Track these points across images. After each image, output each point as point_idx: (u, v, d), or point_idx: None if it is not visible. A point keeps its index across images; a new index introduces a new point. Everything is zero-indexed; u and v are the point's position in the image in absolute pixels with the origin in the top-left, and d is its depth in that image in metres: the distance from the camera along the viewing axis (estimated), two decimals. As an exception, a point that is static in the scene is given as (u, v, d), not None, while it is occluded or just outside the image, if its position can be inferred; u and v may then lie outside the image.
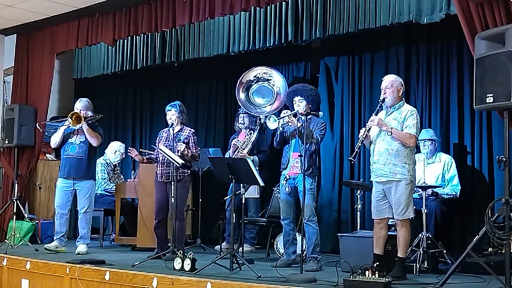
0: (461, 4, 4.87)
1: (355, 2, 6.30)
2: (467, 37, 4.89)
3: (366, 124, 5.04)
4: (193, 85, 8.85)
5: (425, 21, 5.80)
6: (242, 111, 7.27)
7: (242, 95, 7.25)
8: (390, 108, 5.06)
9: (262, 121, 7.15)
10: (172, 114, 6.38)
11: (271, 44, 7.02)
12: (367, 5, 6.20)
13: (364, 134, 4.97)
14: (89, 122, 6.70)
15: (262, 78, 7.25)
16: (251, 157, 6.87)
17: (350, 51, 7.33)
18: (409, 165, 4.91)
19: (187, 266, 5.15)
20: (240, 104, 7.25)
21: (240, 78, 7.26)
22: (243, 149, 6.97)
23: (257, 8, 6.81)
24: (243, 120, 7.25)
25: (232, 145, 7.11)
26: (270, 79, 7.21)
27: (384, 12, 6.06)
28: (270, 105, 7.18)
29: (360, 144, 4.99)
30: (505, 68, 4.37)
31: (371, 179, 5.13)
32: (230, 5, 6.29)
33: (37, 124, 7.46)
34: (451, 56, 6.60)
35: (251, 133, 7.11)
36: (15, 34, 8.51)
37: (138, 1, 7.03)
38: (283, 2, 6.69)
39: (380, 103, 5.05)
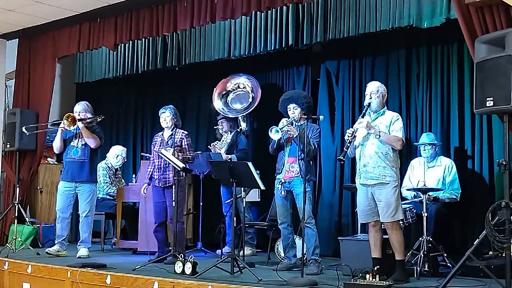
0: (461, 8, 4.88)
1: (355, 6, 6.32)
2: (467, 41, 4.90)
3: (353, 126, 5.06)
4: (194, 89, 8.87)
5: (425, 25, 5.80)
6: (220, 117, 7.53)
7: (218, 103, 7.74)
8: (375, 113, 5.11)
9: (242, 127, 7.54)
10: (166, 116, 6.41)
11: (272, 48, 7.03)
12: (367, 9, 6.21)
13: (352, 134, 4.99)
14: (89, 124, 6.70)
15: (236, 88, 7.76)
16: (229, 155, 7.11)
17: (351, 55, 7.35)
18: (396, 168, 4.99)
19: (188, 270, 5.15)
20: (218, 111, 7.67)
21: (215, 90, 7.75)
22: (221, 149, 7.24)
23: (258, 12, 6.83)
24: (221, 125, 7.50)
25: (211, 148, 7.38)
26: (243, 86, 7.71)
27: (385, 16, 6.07)
28: (251, 103, 7.59)
29: (348, 144, 5.01)
30: (505, 72, 4.38)
31: (358, 183, 5.12)
32: (231, 10, 6.31)
33: (23, 128, 7.34)
34: (451, 60, 6.61)
35: (228, 133, 7.40)
36: (17, 39, 8.53)
37: (139, 5, 7.05)
38: (284, 7, 6.70)
39: (366, 107, 5.10)
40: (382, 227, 5.08)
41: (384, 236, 5.10)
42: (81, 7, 7.31)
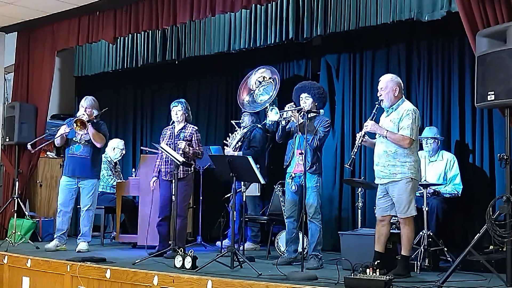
0: (462, 1, 4.85)
1: (356, 0, 6.29)
2: (468, 34, 4.88)
3: (362, 129, 5.08)
4: (194, 83, 8.85)
5: (426, 19, 5.78)
6: (244, 111, 7.35)
7: (246, 98, 7.53)
8: (390, 108, 5.07)
9: (267, 121, 7.23)
10: (178, 110, 6.40)
11: (272, 42, 7.00)
12: (368, 2, 6.18)
13: (360, 140, 5.01)
14: (94, 121, 6.67)
15: (261, 81, 7.53)
16: (235, 152, 6.94)
17: (351, 49, 7.32)
18: (409, 163, 4.89)
19: (188, 264, 5.15)
20: (243, 108, 7.45)
21: (241, 86, 7.57)
22: (229, 146, 7.09)
23: (258, 5, 6.80)
24: (243, 119, 7.34)
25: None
26: (266, 76, 7.52)
27: (385, 9, 6.04)
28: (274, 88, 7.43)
29: (356, 150, 5.04)
30: (507, 65, 4.36)
31: (375, 182, 5.15)
32: (231, 3, 6.28)
33: (28, 145, 7.13)
34: (452, 54, 6.58)
35: (242, 129, 7.20)
36: (16, 32, 8.51)
37: (138, -2, 7.04)
38: (284, 0, 6.68)
39: (377, 105, 5.07)
40: (390, 222, 5.08)
41: (391, 231, 5.10)
42: (80, 0, 7.28)
